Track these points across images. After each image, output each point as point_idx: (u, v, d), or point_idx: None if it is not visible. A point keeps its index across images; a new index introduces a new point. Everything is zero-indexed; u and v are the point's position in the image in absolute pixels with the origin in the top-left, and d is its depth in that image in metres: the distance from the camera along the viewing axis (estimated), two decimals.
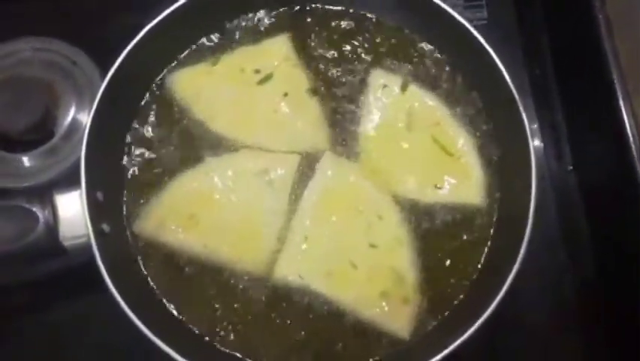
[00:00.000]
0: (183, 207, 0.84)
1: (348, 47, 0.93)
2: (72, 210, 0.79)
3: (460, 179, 0.86)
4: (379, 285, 0.80)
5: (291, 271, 0.81)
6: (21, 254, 0.79)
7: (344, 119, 0.89)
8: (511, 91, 0.83)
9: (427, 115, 0.89)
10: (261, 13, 0.95)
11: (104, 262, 0.76)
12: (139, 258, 0.83)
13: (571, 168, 1.02)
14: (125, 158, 0.88)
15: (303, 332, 0.80)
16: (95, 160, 0.81)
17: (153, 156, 0.88)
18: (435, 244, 0.84)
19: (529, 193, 0.79)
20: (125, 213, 0.85)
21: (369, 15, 0.95)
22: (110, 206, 0.83)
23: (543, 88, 1.06)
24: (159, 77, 0.92)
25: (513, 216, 0.82)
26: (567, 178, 1.02)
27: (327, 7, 0.95)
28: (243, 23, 0.95)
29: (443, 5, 0.88)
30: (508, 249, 0.79)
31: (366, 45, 0.93)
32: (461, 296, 0.82)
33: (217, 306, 0.81)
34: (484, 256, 0.84)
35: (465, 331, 0.73)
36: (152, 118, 0.90)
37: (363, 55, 0.93)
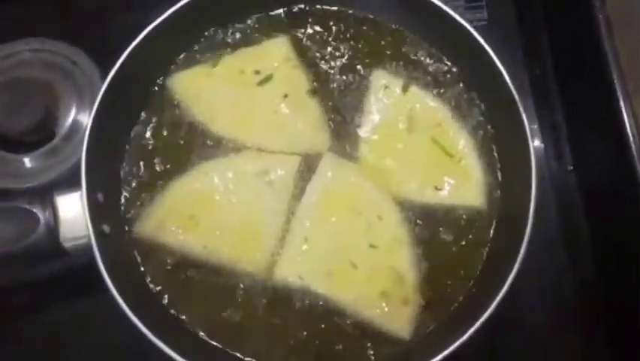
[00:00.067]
0: (183, 208, 0.84)
1: (348, 48, 0.93)
2: (73, 211, 0.79)
3: (460, 180, 0.86)
4: (379, 285, 0.80)
5: (291, 271, 0.81)
6: (21, 255, 0.79)
7: (344, 120, 0.89)
8: (511, 91, 0.83)
9: (427, 116, 0.89)
10: (261, 15, 0.95)
11: (104, 263, 0.76)
12: (139, 259, 0.84)
13: (571, 168, 1.02)
14: (126, 159, 0.88)
15: (303, 333, 0.80)
16: (96, 161, 0.81)
17: (153, 156, 0.88)
18: (435, 244, 0.84)
19: (530, 193, 0.79)
20: (125, 214, 0.85)
21: (369, 16, 0.95)
22: (110, 207, 0.84)
23: (543, 88, 1.06)
24: (159, 79, 0.92)
25: (513, 216, 0.82)
26: (567, 178, 1.02)
27: (327, 7, 0.95)
28: (243, 24, 0.95)
29: (443, 6, 0.88)
30: (508, 249, 0.79)
31: (366, 46, 0.93)
32: (461, 297, 0.82)
33: (217, 307, 0.81)
34: (484, 256, 0.84)
35: (465, 331, 0.73)
36: (152, 119, 0.90)
37: (363, 56, 0.93)
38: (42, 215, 0.79)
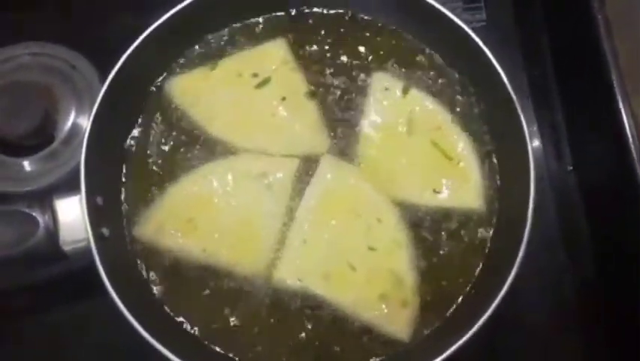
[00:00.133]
0: (182, 211, 0.84)
1: (346, 51, 0.93)
2: (72, 214, 0.79)
3: (459, 183, 0.86)
4: (378, 287, 0.80)
5: (290, 274, 0.81)
6: (21, 259, 0.79)
7: (343, 123, 0.89)
8: (508, 92, 0.83)
9: (427, 119, 0.89)
10: (259, 17, 0.95)
11: (103, 266, 0.76)
12: (138, 262, 0.84)
13: (571, 168, 1.02)
14: (125, 162, 0.88)
15: (302, 335, 0.80)
16: (95, 165, 0.81)
17: (152, 160, 0.88)
18: (434, 246, 0.84)
19: (528, 195, 0.79)
20: (124, 217, 0.86)
21: (367, 18, 0.95)
22: (109, 210, 0.84)
23: (543, 88, 1.06)
24: (158, 81, 0.92)
25: (512, 218, 0.82)
26: (567, 178, 1.02)
27: (324, 10, 0.95)
28: (241, 27, 0.95)
29: (441, 8, 0.88)
30: (507, 251, 0.79)
31: (364, 48, 0.93)
32: (460, 298, 0.82)
33: (216, 309, 0.81)
34: (483, 258, 0.84)
35: (464, 333, 0.73)
36: (150, 122, 0.90)
37: (361, 58, 0.92)
38: (41, 218, 0.79)
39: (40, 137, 0.99)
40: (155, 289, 0.83)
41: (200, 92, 0.90)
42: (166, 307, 0.82)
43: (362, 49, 0.93)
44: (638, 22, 0.94)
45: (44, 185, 0.97)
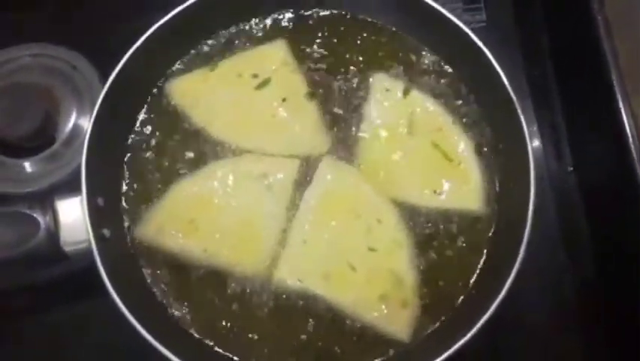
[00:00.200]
0: (183, 212, 0.84)
1: (345, 51, 0.93)
2: (73, 215, 0.79)
3: (459, 184, 0.86)
4: (378, 288, 0.80)
5: (290, 274, 0.81)
6: (22, 259, 0.79)
7: (343, 123, 0.89)
8: (508, 92, 0.83)
9: (428, 120, 0.89)
10: (259, 19, 0.95)
11: (104, 267, 0.76)
12: (139, 263, 0.84)
13: (571, 168, 1.02)
14: (126, 163, 0.88)
15: (302, 336, 0.80)
16: (96, 166, 0.82)
17: (153, 161, 0.88)
18: (434, 247, 0.84)
19: (528, 195, 0.79)
20: (125, 218, 0.86)
21: (367, 19, 0.95)
22: (110, 211, 0.84)
23: (543, 89, 1.06)
24: (159, 83, 0.92)
25: (512, 218, 0.82)
26: (567, 179, 1.02)
27: (324, 11, 0.95)
28: (241, 29, 0.95)
29: (441, 9, 0.88)
30: (507, 251, 0.79)
31: (364, 49, 0.93)
32: (460, 299, 0.82)
33: (217, 310, 0.81)
34: (483, 258, 0.84)
35: (464, 334, 0.74)
36: (151, 123, 0.90)
37: (360, 59, 0.92)
38: (42, 220, 0.79)
39: (40, 138, 0.99)
40: (156, 290, 0.83)
41: (201, 93, 0.90)
42: (166, 308, 0.82)
43: (362, 50, 0.93)
44: (638, 22, 0.94)
45: (45, 186, 0.97)
